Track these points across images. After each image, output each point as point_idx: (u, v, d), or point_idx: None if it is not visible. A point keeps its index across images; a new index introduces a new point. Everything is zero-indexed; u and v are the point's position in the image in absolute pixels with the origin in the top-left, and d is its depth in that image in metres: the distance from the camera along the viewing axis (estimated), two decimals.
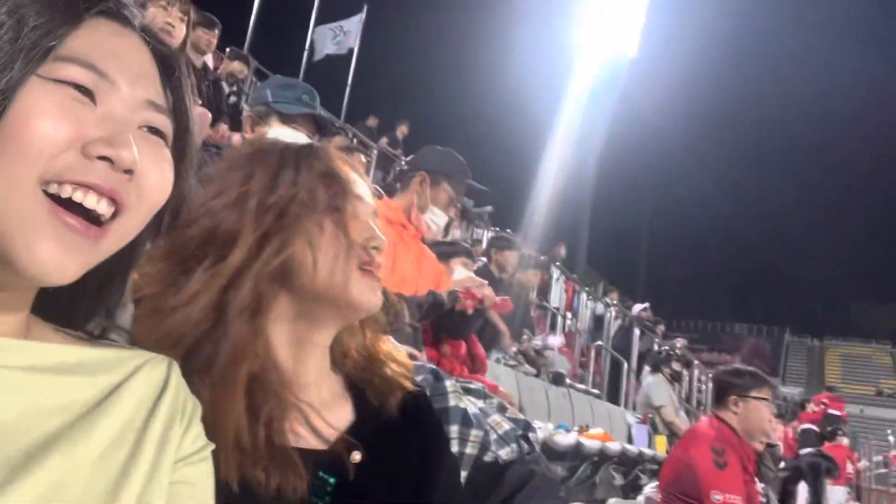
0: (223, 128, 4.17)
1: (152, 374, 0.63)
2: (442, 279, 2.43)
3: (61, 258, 0.52)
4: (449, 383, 1.65)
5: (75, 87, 0.53)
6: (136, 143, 0.55)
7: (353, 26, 12.87)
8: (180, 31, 2.46)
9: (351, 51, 12.88)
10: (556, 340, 5.89)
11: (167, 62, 0.62)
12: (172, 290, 0.77)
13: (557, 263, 10.22)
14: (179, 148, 0.63)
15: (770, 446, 4.02)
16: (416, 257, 2.36)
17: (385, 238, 0.88)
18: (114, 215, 0.55)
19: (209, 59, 5.11)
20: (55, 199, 0.52)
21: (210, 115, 3.54)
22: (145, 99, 0.58)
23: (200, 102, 3.63)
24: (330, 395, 0.86)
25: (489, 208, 10.85)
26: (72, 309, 0.62)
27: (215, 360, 0.76)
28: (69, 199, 0.52)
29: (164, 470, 0.59)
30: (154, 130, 0.59)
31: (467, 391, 1.89)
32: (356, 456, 0.80)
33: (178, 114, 0.62)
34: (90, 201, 0.53)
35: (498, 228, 9.25)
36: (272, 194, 0.80)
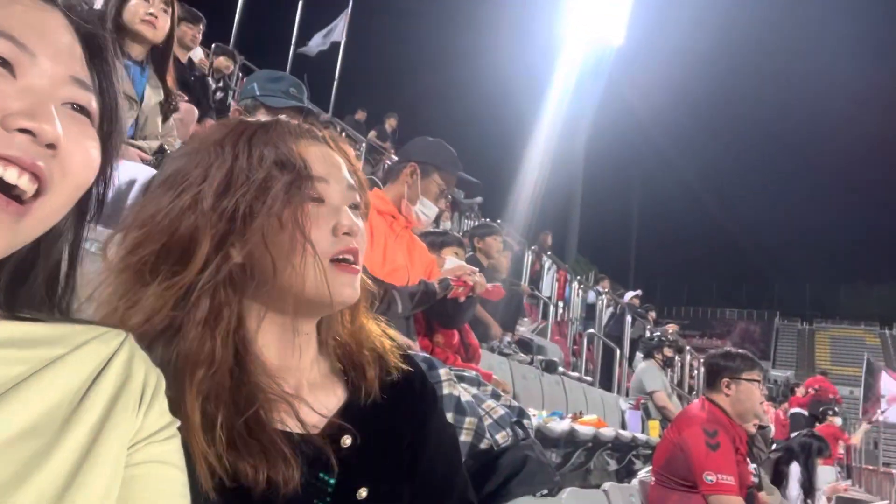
0: (210, 123, 4.15)
1: (101, 349, 0.59)
2: (433, 269, 2.44)
3: None
4: (443, 371, 1.66)
5: None
6: (59, 120, 0.53)
7: (339, 21, 12.83)
8: (164, 21, 2.43)
9: (337, 45, 12.84)
10: (525, 328, 5.98)
11: (93, 41, 0.60)
12: (129, 303, 0.73)
13: (549, 253, 10.25)
14: (106, 129, 0.60)
15: (761, 428, 4.08)
16: (406, 247, 2.37)
17: (357, 222, 0.81)
18: (36, 194, 0.52)
19: (195, 55, 5.08)
20: None
21: (197, 111, 3.52)
22: (68, 75, 0.56)
23: (186, 98, 3.61)
24: (319, 378, 0.84)
25: (479, 199, 10.85)
26: None
27: (172, 362, 0.71)
28: None
29: (105, 456, 0.54)
30: (79, 108, 0.56)
31: (461, 379, 1.90)
32: (346, 440, 0.79)
33: (105, 94, 0.60)
34: (10, 175, 0.50)
35: (488, 219, 9.26)
36: (228, 194, 0.75)
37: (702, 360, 8.19)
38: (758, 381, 2.87)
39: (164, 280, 0.73)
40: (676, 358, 7.72)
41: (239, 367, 0.75)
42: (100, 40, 0.60)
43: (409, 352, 1.01)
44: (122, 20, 2.36)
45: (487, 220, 8.84)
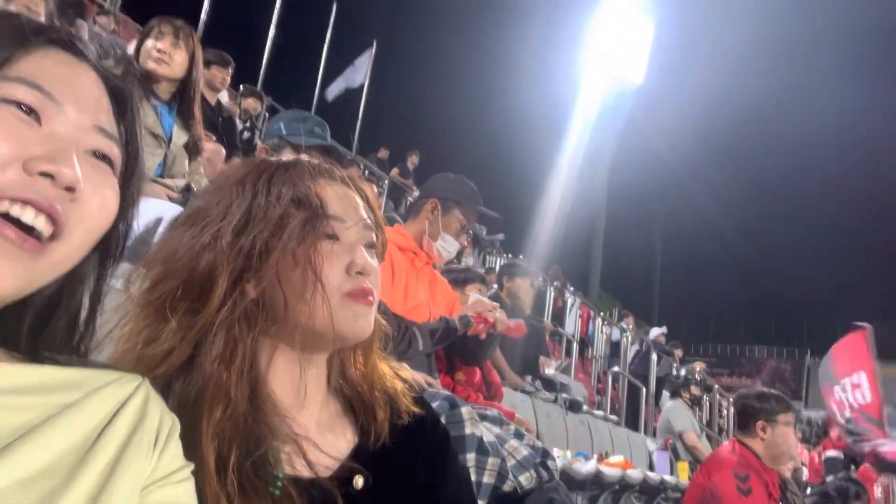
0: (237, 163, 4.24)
1: (117, 393, 0.60)
2: (455, 306, 2.42)
3: None
4: (465, 410, 1.63)
5: (20, 106, 0.54)
6: (80, 166, 0.55)
7: (363, 61, 13.16)
8: (179, 56, 2.49)
9: (361, 85, 13.14)
10: (551, 368, 5.88)
11: (120, 94, 0.63)
12: (148, 339, 0.75)
13: (571, 288, 10.18)
14: (127, 176, 0.63)
15: (793, 470, 3.93)
16: (428, 284, 2.36)
17: (372, 262, 0.82)
18: (53, 237, 0.54)
19: (223, 97, 5.22)
20: None
21: (224, 151, 3.60)
22: (93, 124, 0.58)
23: (215, 139, 3.69)
24: (329, 419, 0.84)
25: (501, 236, 10.87)
26: (15, 343, 0.60)
27: (188, 401, 0.72)
28: (7, 214, 0.52)
29: (121, 492, 0.55)
30: (101, 156, 0.59)
31: (483, 418, 1.87)
32: (359, 481, 0.78)
33: (129, 144, 0.63)
34: (27, 216, 0.52)
35: (510, 255, 9.25)
36: (245, 231, 0.76)
37: (731, 400, 7.97)
38: (793, 424, 2.78)
39: (183, 317, 0.74)
40: (704, 397, 7.54)
41: (252, 405, 0.76)
42: (126, 93, 0.63)
43: (429, 390, 1.00)
44: (139, 62, 2.44)
45: (510, 256, 8.83)
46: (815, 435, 14.58)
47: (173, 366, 0.73)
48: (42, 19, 2.43)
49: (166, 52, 2.45)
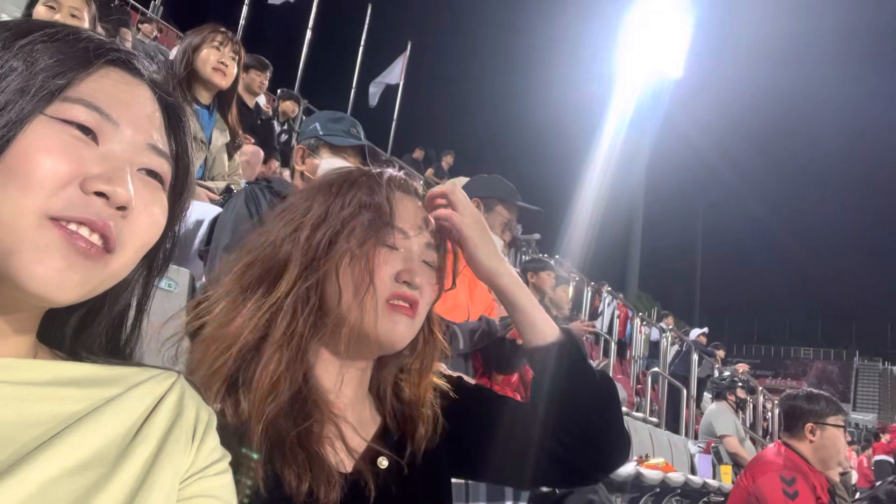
0: (274, 164, 4.32)
1: (155, 389, 0.63)
2: (493, 309, 2.41)
3: (63, 273, 0.54)
4: None
5: (79, 126, 0.56)
6: (133, 184, 0.57)
7: (397, 63, 13.24)
8: (233, 69, 2.58)
9: (395, 86, 13.22)
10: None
11: (173, 111, 0.65)
12: (228, 319, 0.81)
13: (609, 289, 10.05)
14: (177, 191, 0.66)
15: (841, 474, 3.80)
16: (468, 285, 2.36)
17: (424, 275, 0.86)
18: (108, 251, 0.56)
19: (261, 100, 5.31)
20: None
21: (262, 153, 3.66)
22: (146, 143, 0.61)
23: (253, 141, 3.76)
24: (360, 418, 0.88)
25: (537, 236, 10.78)
26: (59, 344, 0.64)
27: (250, 384, 0.78)
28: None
29: (159, 487, 0.57)
30: (152, 173, 0.61)
31: None
32: (383, 462, 0.82)
33: (180, 159, 0.66)
34: (83, 233, 0.55)
35: (546, 255, 9.17)
36: (320, 228, 0.82)
37: (776, 402, 7.76)
38: (843, 427, 2.69)
39: (258, 300, 0.81)
40: (749, 399, 7.35)
41: (303, 387, 0.81)
42: (179, 111, 0.66)
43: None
44: (194, 68, 2.50)
45: (545, 255, 8.76)
46: (864, 438, 14.13)
47: (244, 347, 0.79)
48: (86, 24, 2.52)
49: (227, 65, 2.53)
